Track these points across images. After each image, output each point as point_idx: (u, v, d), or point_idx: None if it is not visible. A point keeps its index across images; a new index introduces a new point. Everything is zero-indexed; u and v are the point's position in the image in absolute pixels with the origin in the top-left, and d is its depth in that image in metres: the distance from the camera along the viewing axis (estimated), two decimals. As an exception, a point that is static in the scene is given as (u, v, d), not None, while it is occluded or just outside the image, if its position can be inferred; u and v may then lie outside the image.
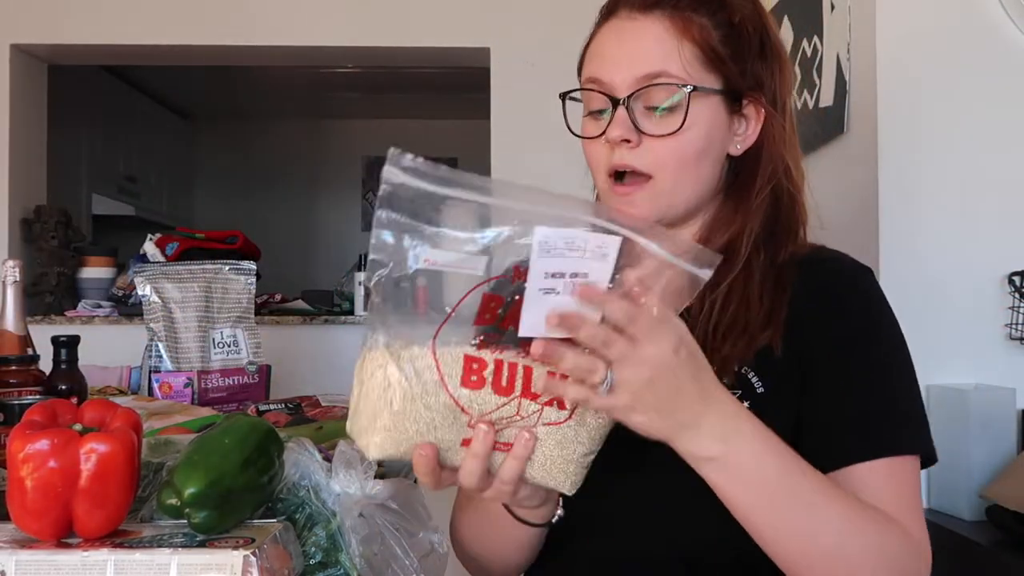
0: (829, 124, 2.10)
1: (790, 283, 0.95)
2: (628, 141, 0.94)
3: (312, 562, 0.88)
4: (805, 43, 2.30)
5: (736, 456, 0.77)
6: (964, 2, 1.85)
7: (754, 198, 0.98)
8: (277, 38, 3.62)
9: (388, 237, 0.74)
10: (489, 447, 0.76)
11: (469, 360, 0.75)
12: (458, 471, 0.77)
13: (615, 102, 0.94)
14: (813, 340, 0.92)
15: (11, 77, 3.53)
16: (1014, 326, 1.78)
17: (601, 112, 0.97)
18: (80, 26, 3.56)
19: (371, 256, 0.74)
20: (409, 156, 0.73)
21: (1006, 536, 1.54)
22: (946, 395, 1.74)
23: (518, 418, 0.76)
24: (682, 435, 0.76)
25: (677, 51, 0.94)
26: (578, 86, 1.02)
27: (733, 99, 0.97)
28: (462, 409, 0.75)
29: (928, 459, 0.93)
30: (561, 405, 0.76)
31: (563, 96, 1.01)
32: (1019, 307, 1.77)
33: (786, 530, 0.80)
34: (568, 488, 0.80)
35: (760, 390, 0.91)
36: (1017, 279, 1.77)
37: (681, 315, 0.77)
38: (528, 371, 0.76)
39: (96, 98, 5.03)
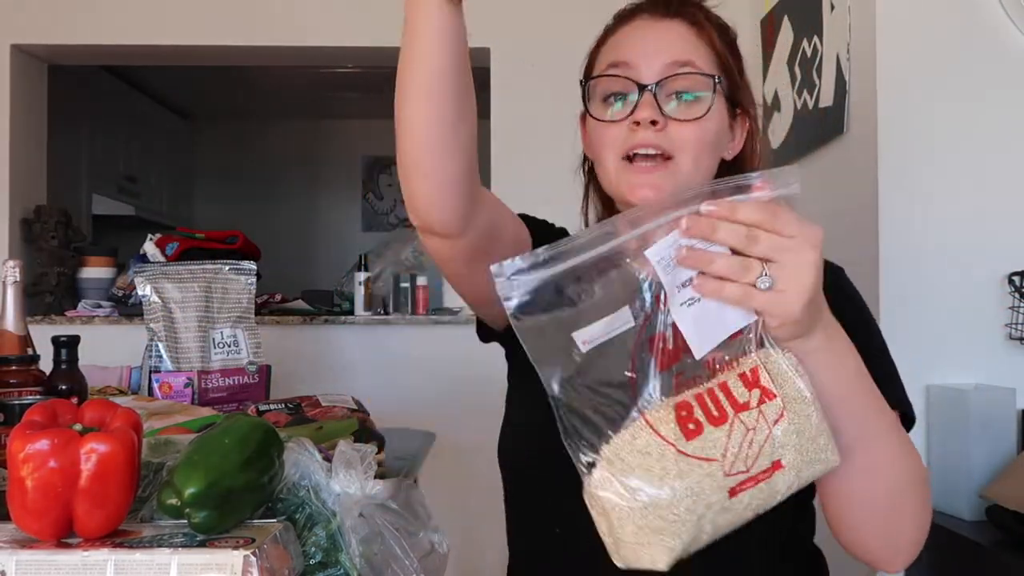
0: (829, 124, 2.10)
1: None
2: (654, 123, 0.97)
3: (312, 562, 0.88)
4: (805, 43, 2.30)
5: (836, 347, 0.80)
6: (964, 2, 1.85)
7: None
8: (277, 38, 3.62)
9: (540, 343, 0.73)
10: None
11: (678, 411, 0.73)
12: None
13: (641, 87, 0.98)
14: None
15: (11, 77, 3.54)
16: (1014, 326, 1.78)
17: (620, 97, 1.00)
18: (80, 26, 3.56)
19: (540, 371, 0.73)
20: (508, 263, 0.73)
21: (1006, 536, 1.54)
22: (946, 395, 1.74)
23: (752, 434, 0.73)
24: (814, 327, 0.77)
25: (700, 49, 1.01)
26: (579, 87, 1.05)
27: (732, 106, 1.04)
28: (707, 460, 0.72)
29: (909, 418, 0.99)
30: (768, 395, 0.74)
31: (589, 79, 1.04)
32: (1019, 307, 1.77)
33: (862, 429, 0.82)
34: (835, 459, 0.77)
35: None
36: (1017, 279, 1.77)
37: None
38: (724, 387, 0.74)
39: (96, 98, 5.03)
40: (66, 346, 1.31)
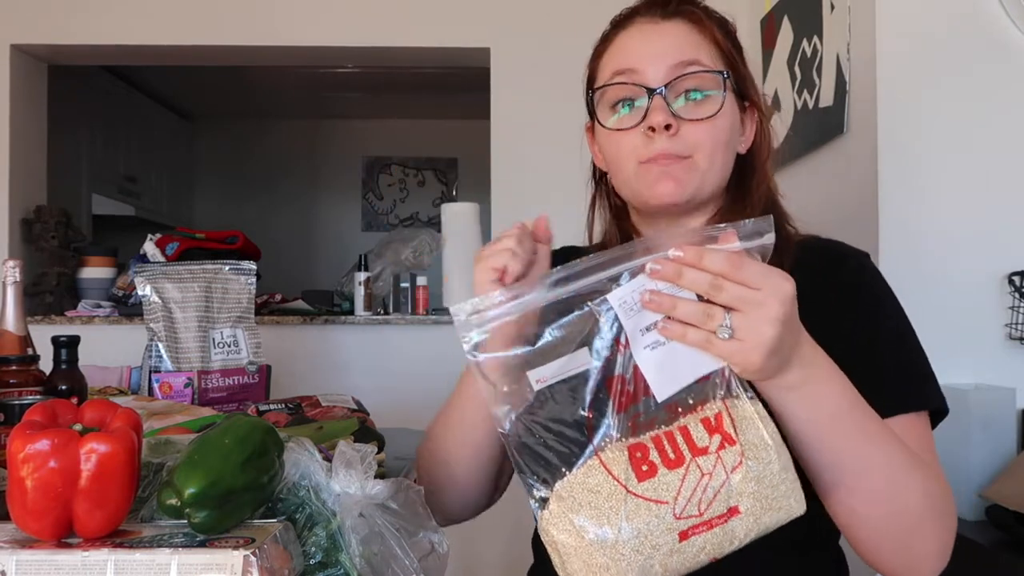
0: (829, 124, 2.10)
1: (788, 260, 0.98)
2: (669, 127, 0.97)
3: (312, 562, 0.88)
4: (805, 43, 2.30)
5: (814, 386, 0.80)
6: (964, 2, 1.85)
7: (755, 194, 1.05)
8: (277, 38, 3.62)
9: (494, 384, 0.75)
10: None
11: (632, 451, 0.73)
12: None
13: (650, 91, 0.98)
14: (829, 313, 0.95)
15: (11, 77, 3.54)
16: (1014, 326, 1.78)
17: (627, 104, 1.00)
18: (80, 26, 3.56)
19: (496, 411, 0.75)
20: (471, 302, 0.75)
21: (1006, 536, 1.54)
22: (946, 395, 1.74)
23: (707, 479, 0.73)
24: (784, 369, 0.78)
25: (703, 46, 1.00)
26: (580, 89, 1.06)
27: (741, 100, 1.04)
28: (657, 502, 0.72)
29: (940, 412, 0.98)
30: (729, 440, 0.74)
31: (594, 89, 1.04)
32: (1019, 307, 1.77)
33: (852, 462, 0.83)
34: (799, 507, 0.77)
35: None
36: (1017, 279, 1.77)
37: None
38: (684, 431, 0.74)
39: (96, 98, 5.03)
40: (66, 346, 1.31)
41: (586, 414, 0.74)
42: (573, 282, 0.74)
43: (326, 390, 1.54)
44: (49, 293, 3.43)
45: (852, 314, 0.97)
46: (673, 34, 1.00)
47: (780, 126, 2.50)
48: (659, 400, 0.74)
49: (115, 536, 0.81)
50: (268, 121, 6.72)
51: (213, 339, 1.66)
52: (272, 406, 1.43)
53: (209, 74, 4.98)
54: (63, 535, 0.80)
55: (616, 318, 0.74)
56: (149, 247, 3.13)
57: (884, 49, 1.86)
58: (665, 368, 0.74)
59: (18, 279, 1.33)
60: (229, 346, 1.67)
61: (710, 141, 0.98)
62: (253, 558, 0.76)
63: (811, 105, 2.24)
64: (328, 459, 0.94)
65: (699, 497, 0.73)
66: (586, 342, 0.74)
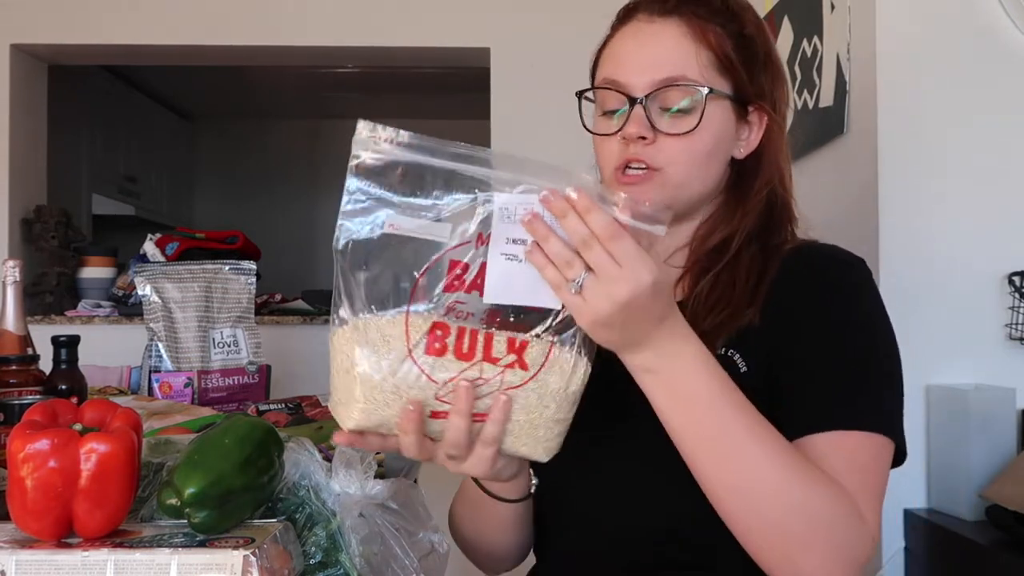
0: (829, 124, 2.10)
1: (778, 267, 0.98)
2: (644, 138, 0.97)
3: (312, 562, 0.88)
4: (805, 43, 2.30)
5: (670, 373, 0.82)
6: (964, 2, 1.85)
7: (752, 199, 1.03)
8: (277, 38, 3.62)
9: (357, 204, 0.78)
10: (471, 403, 0.77)
11: (435, 327, 0.77)
12: (439, 442, 0.80)
13: (632, 101, 0.98)
14: (798, 318, 0.94)
15: (11, 77, 3.53)
16: (1014, 326, 1.78)
17: (615, 111, 1.00)
18: (80, 26, 3.56)
19: (340, 222, 0.78)
20: (379, 127, 0.77)
21: (1006, 536, 1.54)
22: (946, 395, 1.74)
23: (481, 381, 0.77)
24: (631, 348, 0.81)
25: (694, 55, 0.98)
26: (589, 84, 1.05)
27: (741, 105, 1.01)
28: (428, 377, 0.77)
29: (898, 453, 0.93)
30: (522, 365, 0.78)
31: (579, 95, 1.05)
32: (1019, 307, 1.77)
33: (714, 463, 0.83)
34: (542, 454, 0.82)
35: (743, 370, 0.94)
36: (1017, 279, 1.77)
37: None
38: (489, 337, 0.78)
39: (96, 98, 5.03)
40: (66, 346, 1.31)
41: (418, 275, 0.78)
42: (474, 165, 0.77)
43: (326, 390, 1.54)
44: (49, 293, 3.43)
45: (817, 321, 0.94)
46: (665, 38, 0.99)
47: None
48: (484, 301, 0.78)
49: (115, 536, 0.81)
50: (268, 121, 6.71)
51: (213, 339, 1.66)
52: (272, 406, 1.43)
53: (209, 74, 4.98)
54: (63, 535, 0.80)
55: (490, 215, 0.77)
56: (149, 247, 3.13)
57: (884, 49, 1.86)
58: (508, 279, 0.77)
59: (18, 279, 1.33)
60: (229, 346, 1.67)
61: (686, 155, 0.97)
62: (253, 558, 0.76)
63: (811, 105, 2.24)
64: (328, 459, 0.94)
65: (443, 391, 0.77)
66: (452, 220, 0.78)
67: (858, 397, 0.91)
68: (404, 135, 0.77)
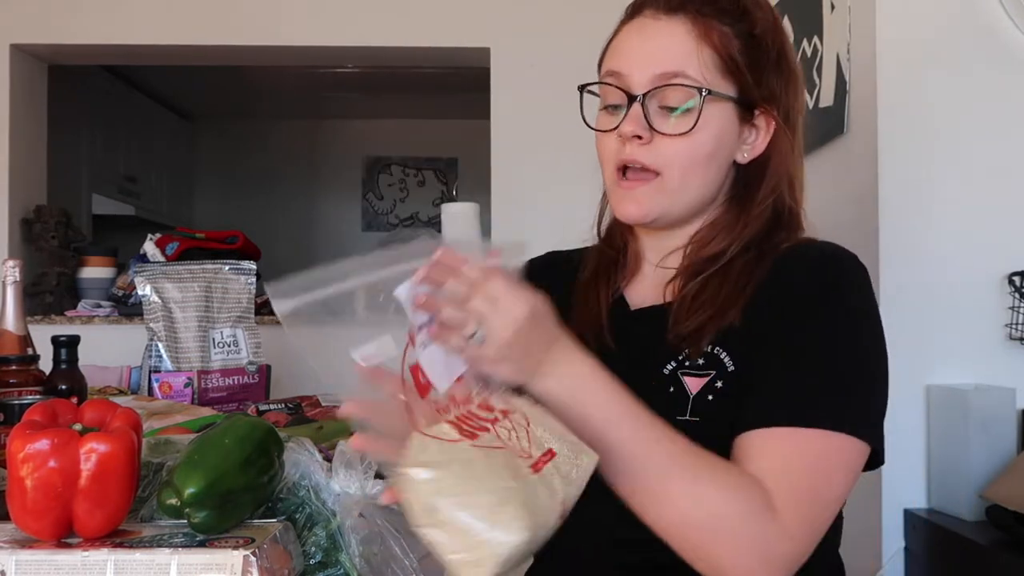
0: (829, 124, 2.10)
1: (769, 267, 0.97)
2: (640, 137, 0.96)
3: (312, 562, 0.88)
4: (805, 43, 2.30)
5: (569, 392, 0.83)
6: (964, 2, 1.85)
7: (756, 208, 1.00)
8: (278, 38, 3.62)
9: (316, 349, 0.80)
10: None
11: (453, 424, 0.76)
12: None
13: (631, 98, 0.97)
14: (778, 314, 0.93)
15: (11, 77, 3.54)
16: (1014, 326, 1.78)
17: (617, 107, 0.99)
18: (80, 26, 3.56)
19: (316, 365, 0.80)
20: (268, 286, 0.78)
21: (1006, 536, 1.54)
22: (946, 395, 1.74)
23: (515, 432, 0.76)
24: (531, 377, 0.82)
25: (696, 54, 0.96)
26: (597, 79, 1.04)
27: (746, 108, 0.99)
28: (497, 448, 0.74)
29: (874, 455, 0.91)
30: (509, 413, 0.78)
31: (581, 88, 1.04)
32: (1019, 307, 1.77)
33: (615, 473, 0.84)
34: (593, 455, 0.80)
35: (731, 368, 0.93)
36: (1017, 279, 1.77)
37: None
38: (471, 412, 0.77)
39: (96, 98, 5.03)
40: (66, 346, 1.31)
41: (403, 397, 0.78)
42: (366, 271, 0.78)
43: (326, 390, 1.54)
44: (49, 293, 3.43)
45: (792, 316, 0.92)
46: (668, 34, 0.97)
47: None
48: (440, 392, 0.79)
49: (115, 536, 0.81)
50: (268, 121, 6.71)
51: (213, 339, 1.66)
52: (272, 406, 1.43)
53: (209, 74, 4.98)
54: (63, 535, 0.80)
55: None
56: (149, 247, 3.13)
57: (884, 49, 1.86)
58: (434, 366, 0.80)
59: (18, 279, 1.33)
60: (229, 346, 1.68)
61: (684, 157, 0.96)
62: (253, 558, 0.76)
63: (811, 105, 2.24)
64: (328, 459, 0.94)
65: (519, 446, 0.76)
66: (391, 331, 0.79)
67: (820, 395, 0.88)
68: (297, 281, 0.78)
